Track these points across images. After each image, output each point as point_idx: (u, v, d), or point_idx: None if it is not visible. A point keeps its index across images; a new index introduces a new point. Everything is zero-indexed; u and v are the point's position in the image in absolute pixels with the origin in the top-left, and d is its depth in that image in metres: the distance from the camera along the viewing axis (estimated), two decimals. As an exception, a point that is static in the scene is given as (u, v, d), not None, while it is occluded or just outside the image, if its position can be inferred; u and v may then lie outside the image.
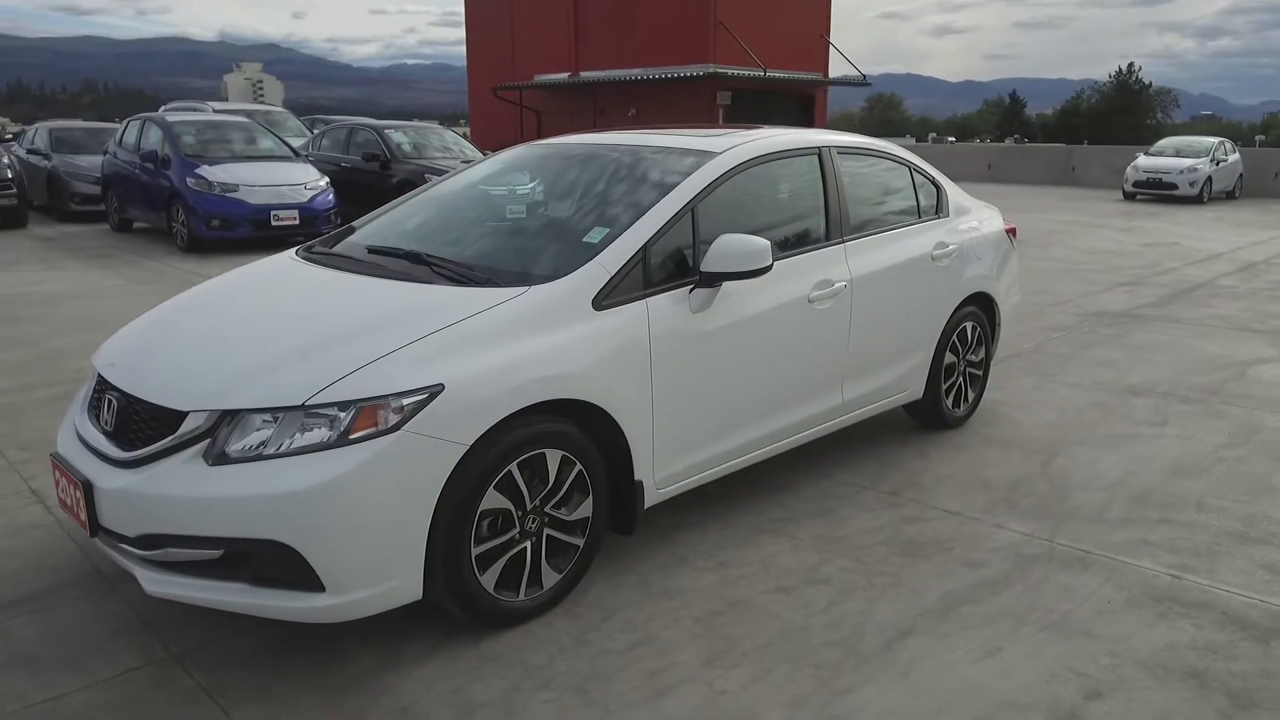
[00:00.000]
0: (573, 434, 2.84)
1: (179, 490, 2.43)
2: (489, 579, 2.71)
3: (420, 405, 2.48)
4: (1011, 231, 5.16)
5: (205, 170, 10.60)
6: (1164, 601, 3.02)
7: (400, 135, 13.13)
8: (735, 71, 18.51)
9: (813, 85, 21.36)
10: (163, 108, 17.22)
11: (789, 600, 3.01)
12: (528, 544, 2.81)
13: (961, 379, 4.78)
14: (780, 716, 2.41)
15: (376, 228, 3.86)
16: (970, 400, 4.88)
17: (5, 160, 12.31)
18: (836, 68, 21.52)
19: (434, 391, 2.50)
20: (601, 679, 2.57)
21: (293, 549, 2.37)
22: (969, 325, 4.71)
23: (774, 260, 3.50)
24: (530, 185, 4.07)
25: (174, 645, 2.72)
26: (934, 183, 4.66)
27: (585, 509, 2.95)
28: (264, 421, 2.46)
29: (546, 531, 2.86)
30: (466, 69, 25.45)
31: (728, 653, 2.70)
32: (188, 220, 10.52)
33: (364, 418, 2.43)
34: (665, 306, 3.11)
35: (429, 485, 2.49)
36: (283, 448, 2.42)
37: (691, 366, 3.19)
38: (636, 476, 3.07)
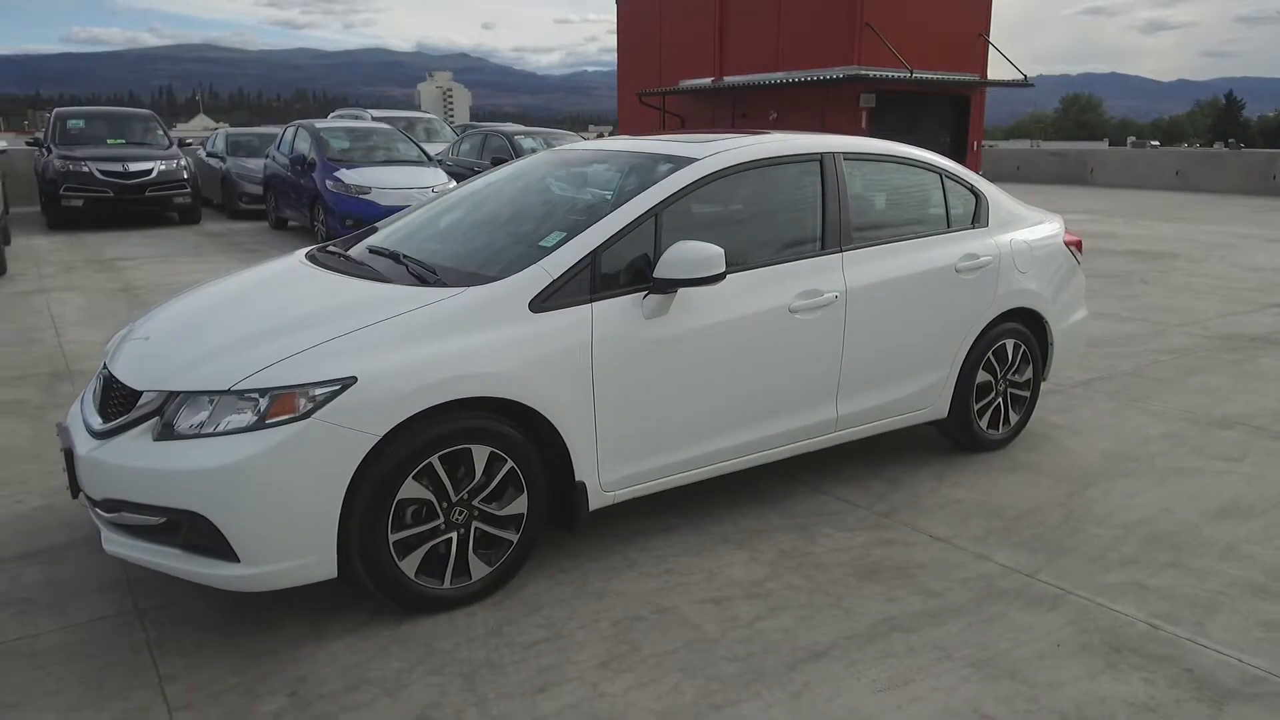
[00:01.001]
0: (504, 432, 2.93)
1: (129, 461, 2.70)
2: (409, 565, 2.85)
3: (332, 395, 2.64)
4: (1075, 245, 4.81)
5: (343, 173, 11.42)
6: (1123, 651, 2.76)
7: (529, 141, 13.63)
8: (877, 73, 17.95)
9: (968, 86, 20.40)
10: (331, 114, 18.63)
11: (716, 612, 2.98)
12: (454, 535, 2.93)
13: (1001, 400, 4.51)
14: (648, 724, 2.41)
15: (396, 228, 4.09)
16: (1012, 423, 4.59)
17: (183, 163, 13.70)
18: (998, 69, 20.52)
19: (346, 383, 2.66)
20: (493, 669, 2.64)
21: (209, 520, 2.59)
22: (1010, 343, 4.44)
23: (753, 268, 3.50)
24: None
25: (142, 601, 3.03)
26: (972, 191, 4.42)
27: (519, 506, 3.03)
28: (207, 403, 2.70)
29: (476, 525, 2.97)
30: (616, 75, 25.99)
31: (627, 657, 2.71)
32: (326, 219, 11.37)
33: (280, 404, 2.63)
34: (615, 311, 3.14)
35: (339, 471, 2.65)
36: (215, 428, 2.65)
37: (644, 372, 3.21)
38: (578, 478, 3.12)
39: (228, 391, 2.66)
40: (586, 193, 3.84)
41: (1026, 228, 4.57)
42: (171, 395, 2.73)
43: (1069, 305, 4.75)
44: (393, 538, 2.79)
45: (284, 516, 2.62)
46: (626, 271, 3.23)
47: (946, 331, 4.15)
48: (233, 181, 14.94)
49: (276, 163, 13.14)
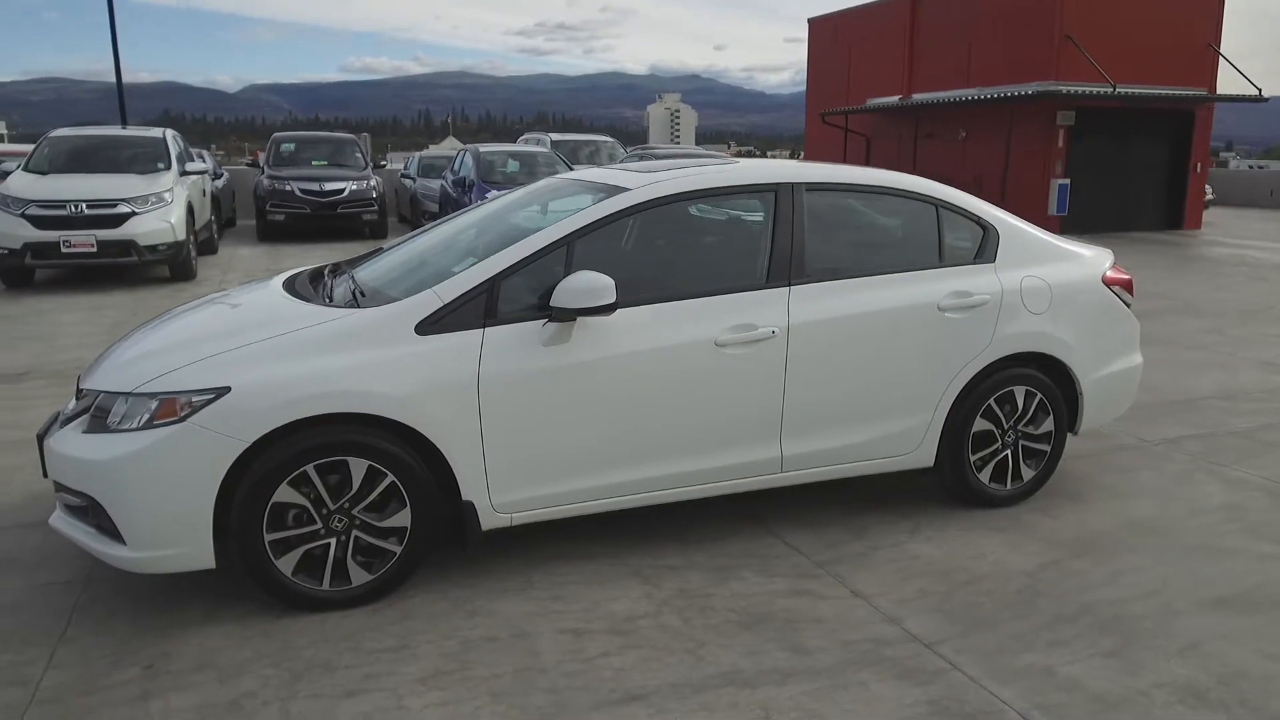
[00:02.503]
0: (383, 447, 3.09)
1: (62, 449, 3.11)
2: (285, 564, 3.07)
3: (207, 403, 2.91)
4: (1121, 285, 4.31)
5: (492, 194, 12.13)
6: (965, 739, 2.49)
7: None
8: (1074, 89, 16.58)
9: (1189, 102, 18.39)
10: (520, 138, 19.78)
11: (567, 643, 2.97)
12: (332, 541, 3.12)
13: (1009, 452, 4.12)
14: (423, 742, 2.47)
15: (393, 253, 4.37)
16: (1025, 479, 4.18)
17: (372, 183, 15.09)
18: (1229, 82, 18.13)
19: (220, 393, 2.93)
20: (325, 670, 2.80)
21: (101, 505, 2.94)
22: (1020, 390, 4.05)
23: (679, 300, 3.46)
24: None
25: (94, 571, 3.45)
26: (980, 224, 4.09)
27: (402, 519, 3.18)
28: (122, 402, 3.06)
29: (356, 533, 3.15)
30: (805, 95, 25.70)
31: (450, 675, 2.78)
32: (476, 236, 12.13)
33: (164, 408, 2.93)
34: (510, 337, 3.22)
35: (211, 471, 2.91)
36: (122, 424, 3.00)
37: (541, 399, 3.26)
38: (465, 497, 3.23)
39: (131, 393, 3.00)
40: (542, 222, 3.94)
41: (1049, 264, 4.16)
42: (98, 393, 3.11)
43: (1106, 351, 4.26)
44: (268, 537, 3.02)
45: (161, 508, 2.92)
46: (532, 299, 3.29)
47: (926, 373, 3.86)
48: (418, 200, 16.26)
49: (448, 183, 14.17)
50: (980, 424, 4.04)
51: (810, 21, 25.60)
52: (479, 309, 3.22)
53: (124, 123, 17.74)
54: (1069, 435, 4.35)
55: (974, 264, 4.02)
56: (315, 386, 2.99)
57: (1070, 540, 3.82)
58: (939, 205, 4.04)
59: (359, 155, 16.26)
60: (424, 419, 3.11)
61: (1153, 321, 8.68)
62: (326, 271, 4.15)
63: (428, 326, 3.16)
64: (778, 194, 3.74)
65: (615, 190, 3.60)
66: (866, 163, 21.85)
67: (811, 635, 3.04)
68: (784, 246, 3.68)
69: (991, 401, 4.03)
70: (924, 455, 3.98)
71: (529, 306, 3.28)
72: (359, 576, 3.18)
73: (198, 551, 2.98)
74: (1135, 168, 18.84)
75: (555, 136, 18.64)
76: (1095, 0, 17.26)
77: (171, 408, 2.93)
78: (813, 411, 3.70)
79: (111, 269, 10.57)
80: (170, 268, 10.44)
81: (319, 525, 3.09)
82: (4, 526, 3.80)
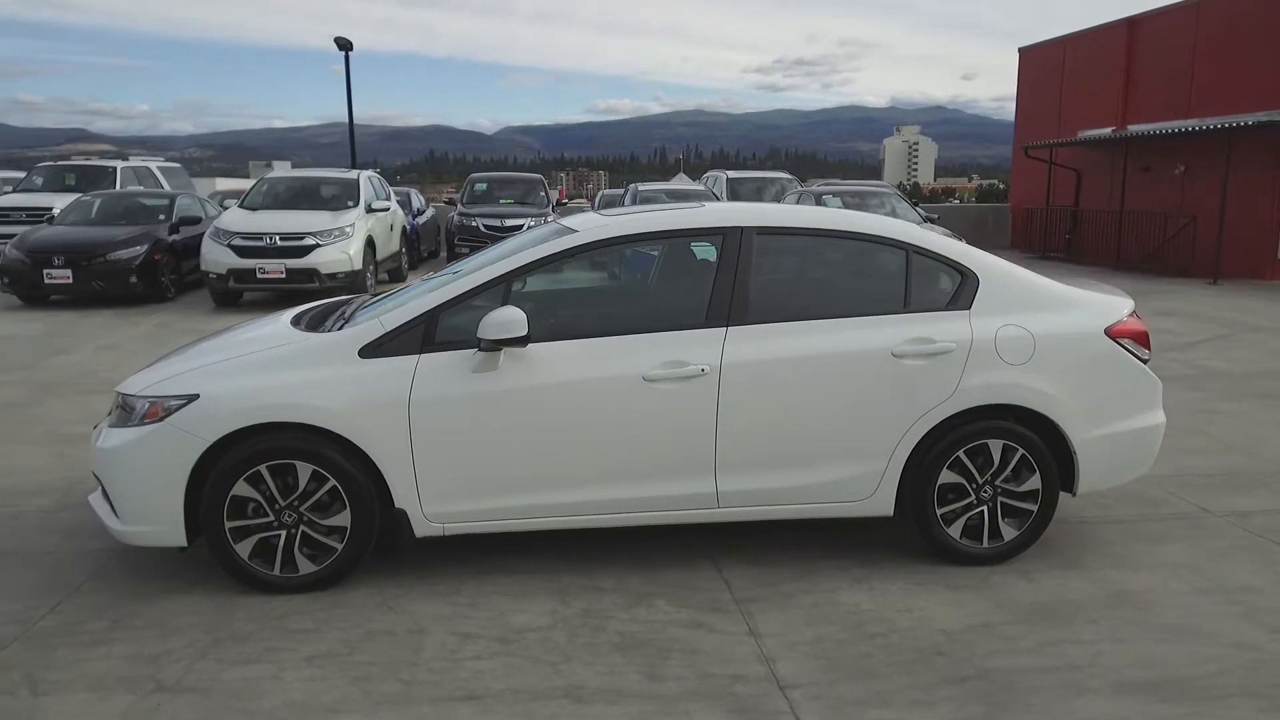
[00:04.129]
0: (327, 454, 3.54)
1: (94, 439, 3.82)
2: (243, 549, 3.58)
3: (180, 407, 3.50)
4: (1132, 336, 4.00)
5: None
6: (743, 777, 2.51)
7: (833, 200, 13.70)
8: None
9: None
10: (704, 174, 20.31)
11: (451, 644, 3.25)
12: (283, 533, 3.60)
13: (985, 509, 3.94)
14: (236, 709, 2.85)
15: (424, 284, 4.88)
16: (1005, 538, 3.96)
17: (551, 219, 16.14)
18: None
19: (190, 399, 3.50)
20: (238, 640, 3.26)
21: (103, 485, 3.60)
22: (996, 444, 3.88)
23: (613, 335, 3.69)
24: None
25: (95, 540, 4.13)
26: (958, 269, 3.97)
27: (342, 519, 3.61)
28: (132, 403, 3.71)
29: (302, 529, 3.61)
30: (1014, 127, 24.30)
31: (333, 658, 3.15)
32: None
33: (151, 410, 3.55)
34: (441, 363, 3.58)
35: (180, 463, 3.48)
36: (129, 422, 3.66)
37: (469, 421, 3.58)
38: (397, 505, 3.61)
39: (137, 396, 3.65)
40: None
41: (1038, 313, 3.94)
42: (121, 396, 3.80)
43: (1110, 408, 3.96)
44: (229, 524, 3.56)
45: (143, 490, 3.53)
46: (471, 331, 3.63)
47: (876, 420, 3.80)
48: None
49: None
50: (948, 476, 3.89)
51: (1021, 51, 24.30)
52: (418, 337, 3.61)
53: (353, 164, 20.09)
54: (1067, 496, 4.07)
55: (946, 310, 3.91)
56: (265, 398, 3.49)
57: (1027, 605, 3.60)
58: (910, 250, 3.97)
59: (542, 194, 17.46)
60: (359, 432, 3.53)
61: (1325, 382, 7.62)
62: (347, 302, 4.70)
63: (370, 351, 3.59)
64: (725, 237, 3.86)
65: (566, 232, 3.88)
66: (1076, 198, 20.39)
67: (677, 665, 3.13)
68: (726, 288, 3.79)
69: (961, 454, 3.88)
70: (880, 504, 3.89)
71: (466, 338, 3.63)
72: (305, 566, 3.63)
73: (171, 531, 3.56)
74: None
75: (732, 174, 18.99)
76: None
77: (156, 410, 3.54)
78: (748, 451, 3.75)
79: (302, 293, 12.08)
80: (349, 292, 11.79)
81: (272, 518, 3.59)
82: (80, 502, 4.64)
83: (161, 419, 3.51)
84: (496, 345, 3.52)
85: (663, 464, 3.73)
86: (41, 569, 3.87)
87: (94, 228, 12.03)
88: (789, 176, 19.25)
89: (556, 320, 3.88)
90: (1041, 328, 3.91)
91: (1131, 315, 4.10)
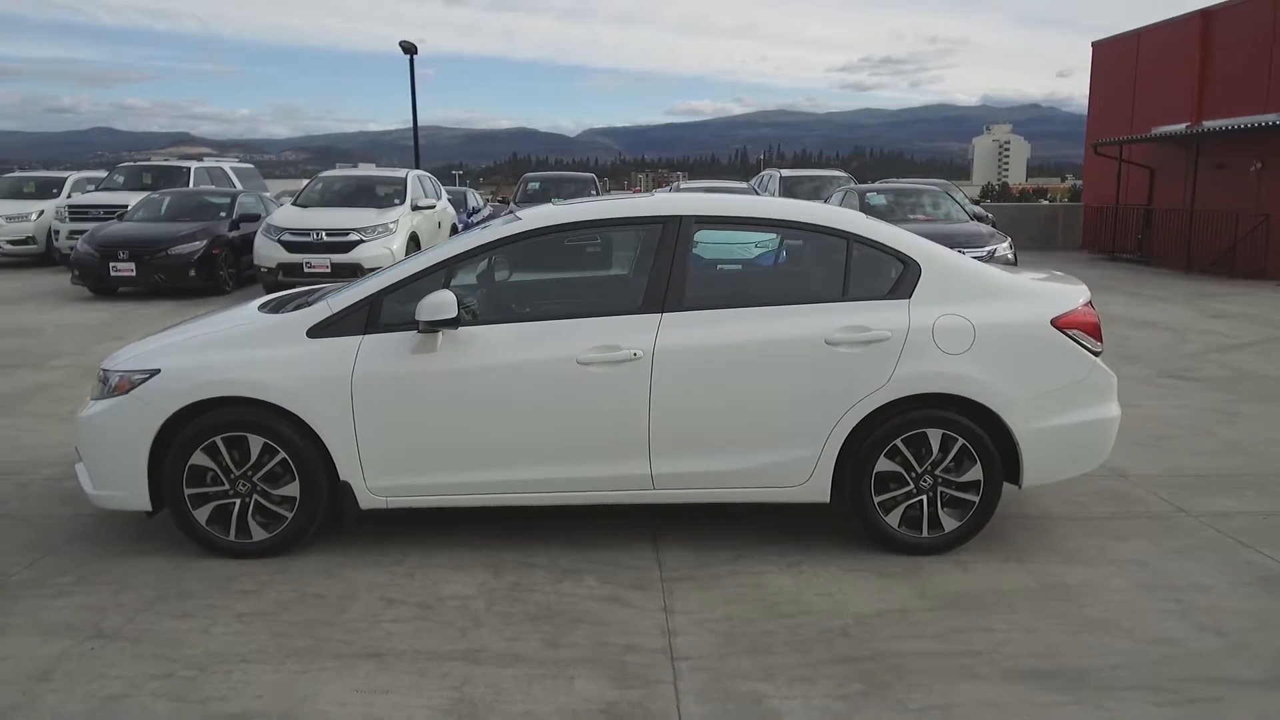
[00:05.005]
0: (277, 428, 3.77)
1: (78, 412, 4.14)
2: (201, 515, 3.84)
3: (143, 381, 3.77)
4: (1082, 327, 3.95)
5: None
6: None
7: (878, 198, 13.54)
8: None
9: None
10: (758, 175, 20.25)
11: (374, 608, 3.44)
12: (237, 501, 3.85)
13: (925, 499, 3.94)
14: (158, 655, 3.07)
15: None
16: (947, 529, 3.95)
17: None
18: None
19: (153, 373, 3.77)
20: (182, 597, 3.50)
21: (79, 451, 3.91)
22: (935, 433, 3.88)
23: (550, 319, 3.84)
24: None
25: (85, 507, 4.43)
26: (900, 259, 3.97)
27: (292, 490, 3.83)
28: (108, 377, 4.00)
29: (255, 497, 3.85)
30: (1086, 124, 23.48)
31: (261, 616, 3.36)
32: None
33: (121, 383, 3.83)
34: (383, 344, 3.78)
35: (143, 433, 3.75)
36: (103, 394, 3.95)
37: (407, 398, 3.76)
38: (342, 478, 3.82)
39: (110, 370, 3.94)
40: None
41: (981, 302, 3.92)
42: (103, 371, 4.11)
43: (1054, 400, 3.91)
44: (188, 491, 3.81)
45: (110, 458, 3.81)
46: (412, 313, 3.80)
47: (809, 406, 3.84)
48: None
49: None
50: (886, 464, 3.91)
51: (1095, 45, 23.48)
52: (361, 319, 3.81)
53: (416, 165, 20.66)
54: (1041, 492, 4.04)
55: (886, 299, 3.92)
56: (218, 374, 3.74)
57: (952, 594, 3.60)
58: (851, 239, 3.99)
59: (593, 192, 17.68)
60: (304, 408, 3.74)
61: (1365, 386, 7.25)
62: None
63: (317, 331, 3.81)
64: (664, 226, 3.95)
65: (513, 220, 4.04)
66: (1149, 197, 19.63)
67: (579, 634, 3.25)
68: (662, 275, 3.88)
69: (899, 443, 3.89)
70: (816, 490, 3.93)
71: (409, 320, 3.81)
72: (258, 533, 3.87)
73: (136, 496, 3.84)
74: None
75: (786, 173, 18.90)
76: None
77: (124, 383, 3.82)
78: (681, 434, 3.84)
79: (349, 287, 12.57)
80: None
81: (227, 486, 3.83)
82: (85, 471, 4.98)
83: (127, 391, 3.79)
84: (433, 327, 3.69)
85: (597, 445, 3.84)
86: (32, 530, 4.20)
87: (158, 224, 12.73)
88: (845, 175, 19.06)
89: (499, 305, 4.03)
90: (983, 317, 3.89)
91: (1085, 306, 4.04)
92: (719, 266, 4.21)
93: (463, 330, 3.75)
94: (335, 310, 3.83)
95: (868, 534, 3.98)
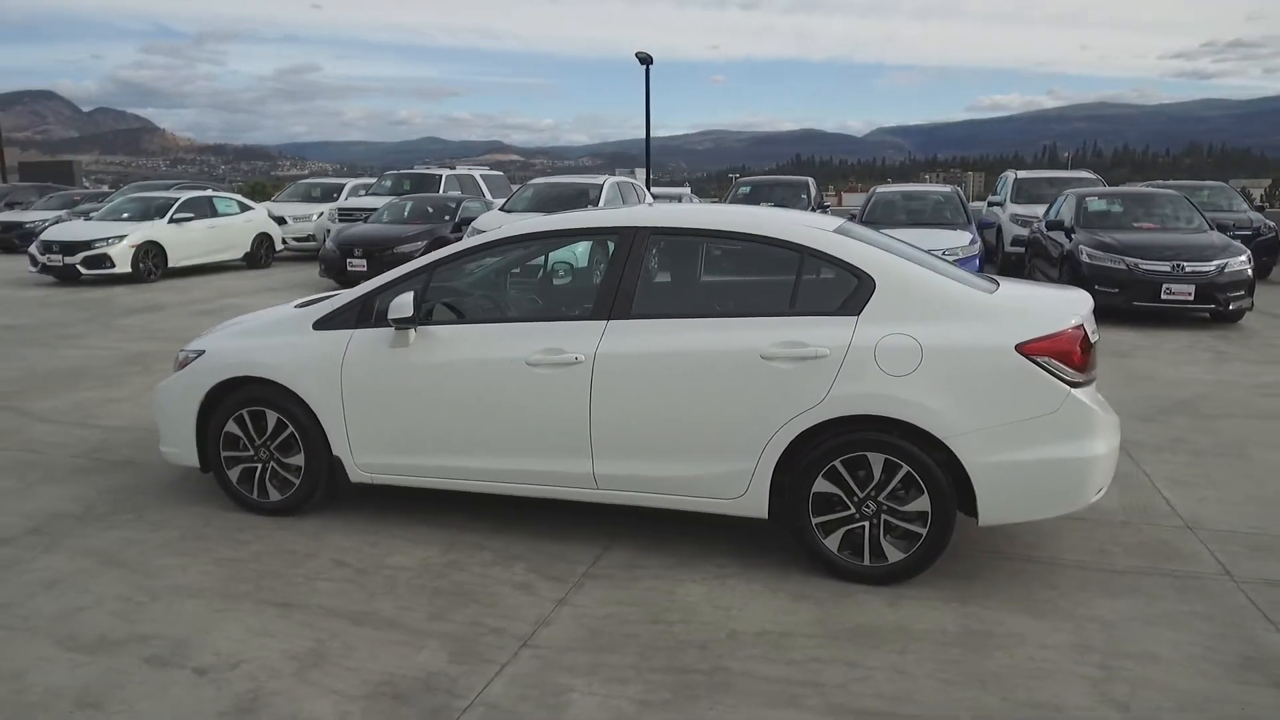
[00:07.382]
0: (288, 406, 4.41)
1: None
2: (234, 475, 4.58)
3: (194, 359, 4.58)
4: (1053, 354, 3.59)
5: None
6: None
7: (1098, 203, 12.28)
8: None
9: None
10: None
11: (319, 568, 3.95)
12: (258, 466, 4.54)
13: (868, 525, 3.78)
14: (133, 582, 3.74)
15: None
16: (891, 559, 3.77)
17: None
18: None
19: (200, 354, 4.56)
20: (181, 537, 4.22)
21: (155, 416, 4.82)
22: (876, 457, 3.72)
23: (508, 322, 4.21)
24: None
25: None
26: (855, 274, 3.83)
27: (299, 460, 4.46)
28: (182, 355, 4.86)
29: (272, 465, 4.52)
30: None
31: (222, 561, 3.98)
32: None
33: (182, 360, 4.67)
34: (368, 338, 4.29)
35: (191, 403, 4.55)
36: (174, 369, 4.81)
37: (385, 386, 4.25)
38: (334, 453, 4.39)
39: (183, 350, 4.81)
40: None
41: (937, 323, 3.68)
42: (183, 350, 5.00)
43: (1015, 432, 3.60)
44: (224, 454, 4.57)
45: (170, 421, 4.67)
46: (396, 311, 4.28)
47: (743, 420, 3.82)
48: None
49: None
50: (824, 485, 3.79)
51: None
52: (354, 315, 4.35)
53: (648, 171, 21.59)
54: (972, 523, 3.74)
55: (834, 315, 3.80)
56: (242, 357, 4.45)
57: (851, 627, 3.45)
58: (805, 252, 3.90)
59: (804, 197, 17.52)
60: (305, 389, 4.35)
61: None
62: None
63: (320, 324, 4.40)
64: (620, 236, 4.10)
65: (476, 233, 4.38)
66: None
67: (464, 613, 3.54)
68: (612, 284, 4.04)
69: (839, 464, 3.76)
70: (753, 505, 3.90)
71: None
72: (274, 495, 4.54)
73: (188, 454, 4.65)
74: None
75: (1022, 174, 17.55)
76: None
77: (184, 361, 4.66)
78: (621, 438, 3.98)
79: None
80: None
81: (251, 452, 4.54)
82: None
83: (184, 368, 4.62)
84: (400, 324, 4.14)
85: (545, 442, 4.09)
86: (131, 474, 5.19)
87: (391, 225, 14.48)
88: (1094, 176, 17.35)
89: (468, 307, 4.40)
90: (934, 339, 3.65)
91: (1075, 329, 3.66)
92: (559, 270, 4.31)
93: (434, 328, 4.17)
94: (335, 307, 4.41)
95: (806, 555, 3.88)
